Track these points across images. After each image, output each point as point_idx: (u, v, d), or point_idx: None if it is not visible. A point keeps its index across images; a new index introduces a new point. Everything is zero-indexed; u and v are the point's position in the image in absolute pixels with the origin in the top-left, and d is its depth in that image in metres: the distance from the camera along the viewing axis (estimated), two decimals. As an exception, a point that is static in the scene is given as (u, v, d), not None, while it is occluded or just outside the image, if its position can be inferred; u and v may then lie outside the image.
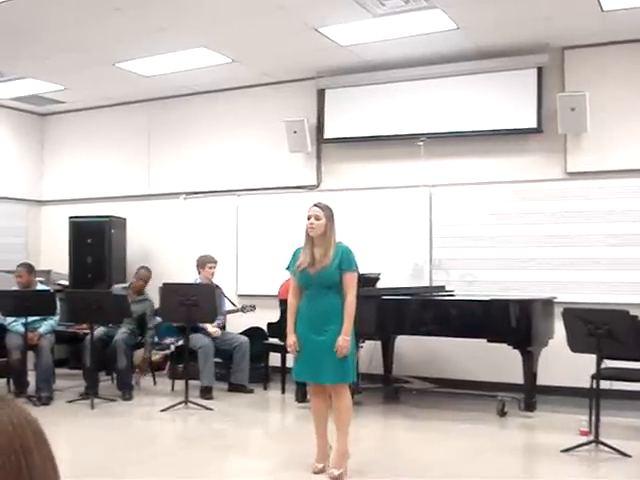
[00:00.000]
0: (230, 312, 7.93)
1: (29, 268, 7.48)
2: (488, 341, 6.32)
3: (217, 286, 7.72)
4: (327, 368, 4.55)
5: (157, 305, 7.59)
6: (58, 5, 6.20)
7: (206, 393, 7.23)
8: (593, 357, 5.23)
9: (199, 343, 7.38)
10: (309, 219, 4.66)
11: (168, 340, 7.96)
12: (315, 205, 4.73)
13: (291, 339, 4.70)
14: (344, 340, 4.51)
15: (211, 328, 7.56)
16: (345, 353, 4.51)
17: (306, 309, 4.68)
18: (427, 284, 7.79)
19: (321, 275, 4.59)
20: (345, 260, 4.62)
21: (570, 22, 6.63)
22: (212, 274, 7.84)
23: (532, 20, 6.60)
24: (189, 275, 8.23)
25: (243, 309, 7.90)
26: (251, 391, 7.56)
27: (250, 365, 7.76)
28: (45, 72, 8.32)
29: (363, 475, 4.70)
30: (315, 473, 4.65)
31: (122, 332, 7.38)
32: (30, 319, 7.02)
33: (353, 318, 4.60)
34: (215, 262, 7.93)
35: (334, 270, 4.59)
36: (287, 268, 4.88)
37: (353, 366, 4.69)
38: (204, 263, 7.89)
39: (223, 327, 7.84)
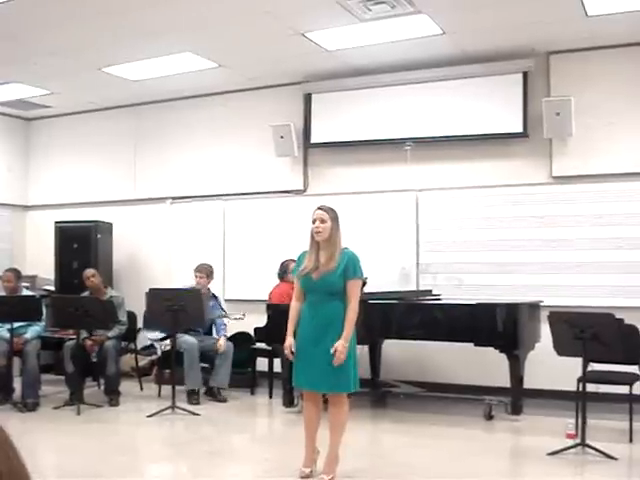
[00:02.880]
0: (219, 317, 7.85)
1: (17, 273, 7.45)
2: (475, 345, 6.33)
3: (214, 295, 7.78)
4: (326, 376, 4.48)
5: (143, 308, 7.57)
6: (44, 9, 6.17)
7: (192, 396, 7.19)
8: (579, 360, 5.26)
9: (184, 345, 7.31)
10: (314, 222, 4.56)
11: (155, 336, 7.89)
12: (319, 208, 4.62)
13: (288, 341, 4.61)
14: (342, 346, 4.39)
15: (222, 341, 7.53)
16: (342, 359, 4.40)
17: (308, 315, 4.58)
18: (414, 288, 7.80)
19: (324, 281, 4.49)
20: (350, 267, 4.52)
21: (555, 27, 6.67)
22: (197, 282, 7.67)
23: (517, 25, 6.64)
24: (176, 280, 8.21)
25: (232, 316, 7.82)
26: (224, 400, 7.37)
27: (237, 370, 7.73)
28: (31, 77, 8.29)
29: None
30: (302, 478, 4.63)
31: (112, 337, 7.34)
32: (16, 325, 6.97)
33: (354, 325, 4.51)
34: (200, 272, 7.72)
35: (338, 277, 4.49)
36: (292, 273, 4.80)
37: (354, 374, 4.56)
38: (194, 270, 7.79)
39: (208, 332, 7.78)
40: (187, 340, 7.34)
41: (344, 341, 4.42)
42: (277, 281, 7.63)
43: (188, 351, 7.26)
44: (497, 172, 7.61)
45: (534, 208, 7.38)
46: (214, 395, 7.43)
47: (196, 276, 7.73)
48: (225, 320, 7.82)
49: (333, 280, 4.49)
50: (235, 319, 7.79)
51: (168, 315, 6.72)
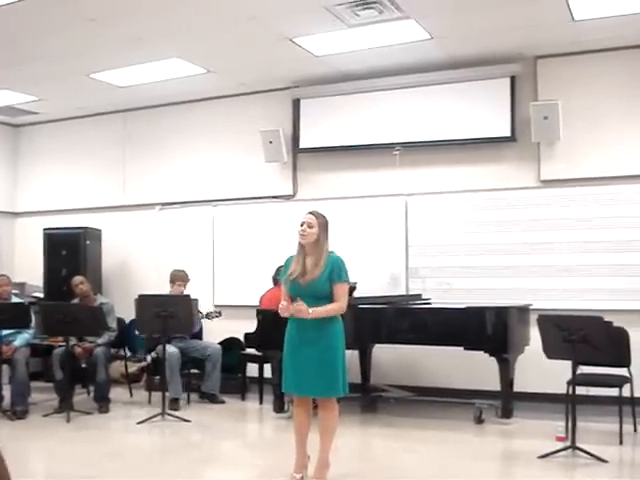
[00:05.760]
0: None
1: (9, 279, 7.44)
2: (465, 349, 6.34)
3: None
4: (315, 381, 4.48)
5: (133, 316, 7.55)
6: (31, 15, 6.15)
7: (174, 404, 7.16)
8: (568, 363, 5.27)
9: (166, 353, 7.26)
10: (301, 226, 4.55)
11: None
12: (309, 213, 4.62)
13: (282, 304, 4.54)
14: (307, 311, 4.35)
15: None
16: (298, 309, 4.37)
17: (296, 321, 4.54)
18: (403, 292, 7.81)
19: (311, 286, 4.48)
20: (336, 271, 4.51)
21: (542, 32, 6.71)
22: (180, 293, 7.63)
23: (505, 30, 6.67)
24: (165, 286, 8.17)
25: (208, 315, 7.80)
26: (222, 402, 7.48)
27: (228, 376, 7.71)
28: (18, 83, 8.26)
29: (342, 484, 4.70)
30: (293, 483, 4.63)
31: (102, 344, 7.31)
32: (4, 332, 6.94)
33: (329, 314, 4.48)
34: (182, 280, 7.73)
35: (324, 281, 4.49)
36: (279, 277, 4.78)
37: (344, 378, 4.55)
38: (175, 280, 7.77)
39: (195, 335, 7.76)
40: (168, 349, 7.19)
41: (312, 311, 4.38)
42: (269, 285, 7.62)
43: (169, 360, 7.16)
44: (485, 176, 7.63)
45: (522, 212, 7.41)
46: (210, 398, 7.47)
47: (179, 285, 7.69)
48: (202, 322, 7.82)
49: (319, 285, 4.49)
50: (211, 318, 7.78)
51: (158, 321, 6.69)
